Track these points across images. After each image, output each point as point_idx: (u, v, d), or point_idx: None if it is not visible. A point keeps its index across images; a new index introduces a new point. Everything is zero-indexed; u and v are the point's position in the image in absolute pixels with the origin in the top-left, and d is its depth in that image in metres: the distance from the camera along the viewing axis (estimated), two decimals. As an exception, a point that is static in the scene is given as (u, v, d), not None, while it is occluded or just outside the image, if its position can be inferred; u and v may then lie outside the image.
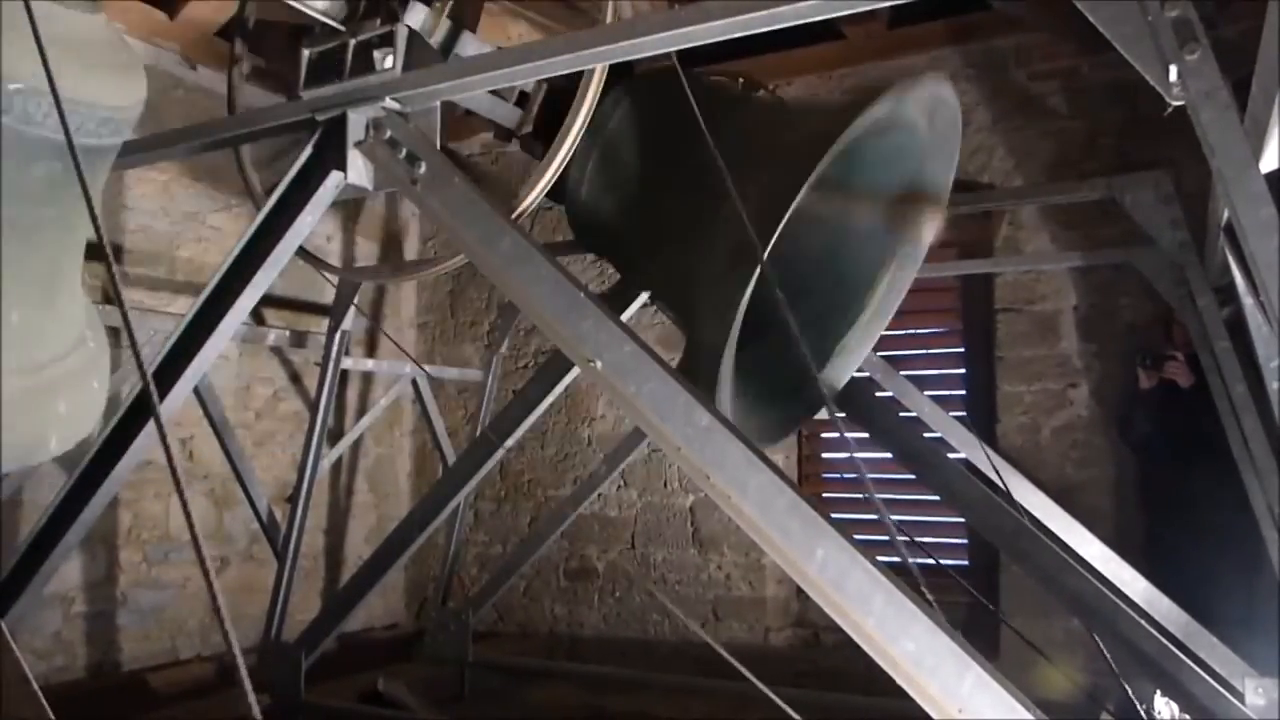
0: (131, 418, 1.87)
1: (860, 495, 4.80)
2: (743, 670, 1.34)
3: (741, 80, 3.46)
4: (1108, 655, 2.35)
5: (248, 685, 0.79)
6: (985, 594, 3.79)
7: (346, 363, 4.37)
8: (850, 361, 2.64)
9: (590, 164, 2.29)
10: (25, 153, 1.41)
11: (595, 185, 2.32)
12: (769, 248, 1.71)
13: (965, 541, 4.41)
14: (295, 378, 4.97)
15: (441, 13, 1.94)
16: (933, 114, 2.18)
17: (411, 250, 5.71)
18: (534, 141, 2.27)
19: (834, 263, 2.53)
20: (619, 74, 2.15)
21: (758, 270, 1.73)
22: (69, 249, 1.60)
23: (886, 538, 4.53)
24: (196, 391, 3.86)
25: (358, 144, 1.76)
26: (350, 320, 4.21)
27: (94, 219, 1.09)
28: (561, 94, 2.17)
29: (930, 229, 2.40)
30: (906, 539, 2.34)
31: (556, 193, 2.27)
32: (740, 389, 2.15)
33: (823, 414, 3.82)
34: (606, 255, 2.57)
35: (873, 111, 1.86)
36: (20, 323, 1.45)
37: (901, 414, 3.25)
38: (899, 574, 1.23)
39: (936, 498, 3.07)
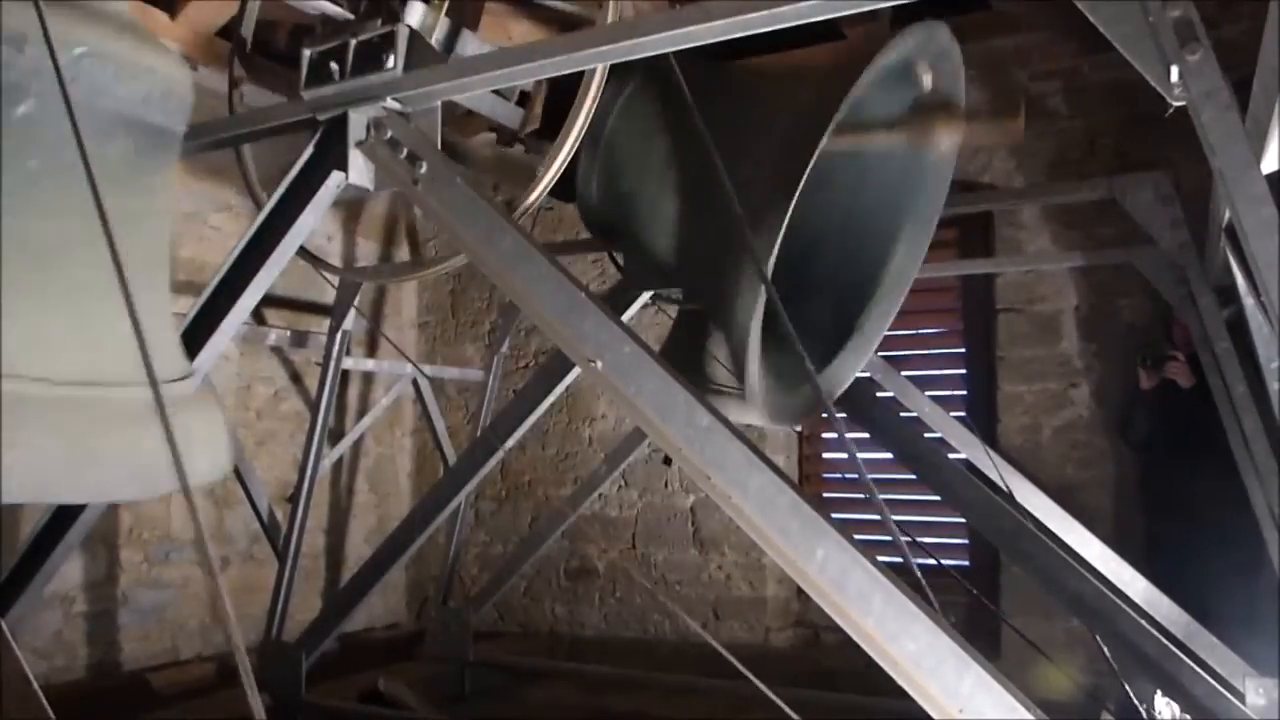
0: (132, 418, 1.86)
1: (861, 495, 4.79)
2: (735, 663, 1.34)
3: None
4: (1108, 655, 2.35)
5: (252, 685, 0.79)
6: (986, 594, 3.79)
7: (347, 363, 4.37)
8: (862, 351, 2.62)
9: (598, 156, 2.28)
10: (99, 129, 1.24)
11: (604, 177, 2.31)
12: (785, 220, 1.72)
13: (966, 542, 4.42)
14: (296, 378, 4.97)
15: (440, 10, 1.94)
16: (935, 65, 2.17)
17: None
18: (537, 141, 2.27)
19: (850, 235, 2.52)
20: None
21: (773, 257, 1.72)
22: (160, 248, 1.41)
23: (887, 538, 4.53)
24: (197, 391, 3.86)
25: (359, 144, 1.76)
26: (351, 320, 4.21)
27: (98, 201, 1.03)
28: (564, 91, 2.17)
29: (950, 139, 2.36)
30: (909, 539, 2.34)
31: (564, 191, 2.26)
32: (771, 366, 2.14)
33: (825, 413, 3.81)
34: (619, 246, 2.55)
35: (877, 64, 1.86)
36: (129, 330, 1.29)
37: (902, 414, 3.25)
38: (900, 574, 1.23)
39: (937, 498, 3.07)
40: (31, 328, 1.10)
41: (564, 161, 1.91)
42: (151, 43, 1.39)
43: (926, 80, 2.19)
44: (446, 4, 1.93)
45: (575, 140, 1.89)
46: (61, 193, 1.15)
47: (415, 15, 1.87)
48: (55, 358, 1.13)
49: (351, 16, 1.86)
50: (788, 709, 1.30)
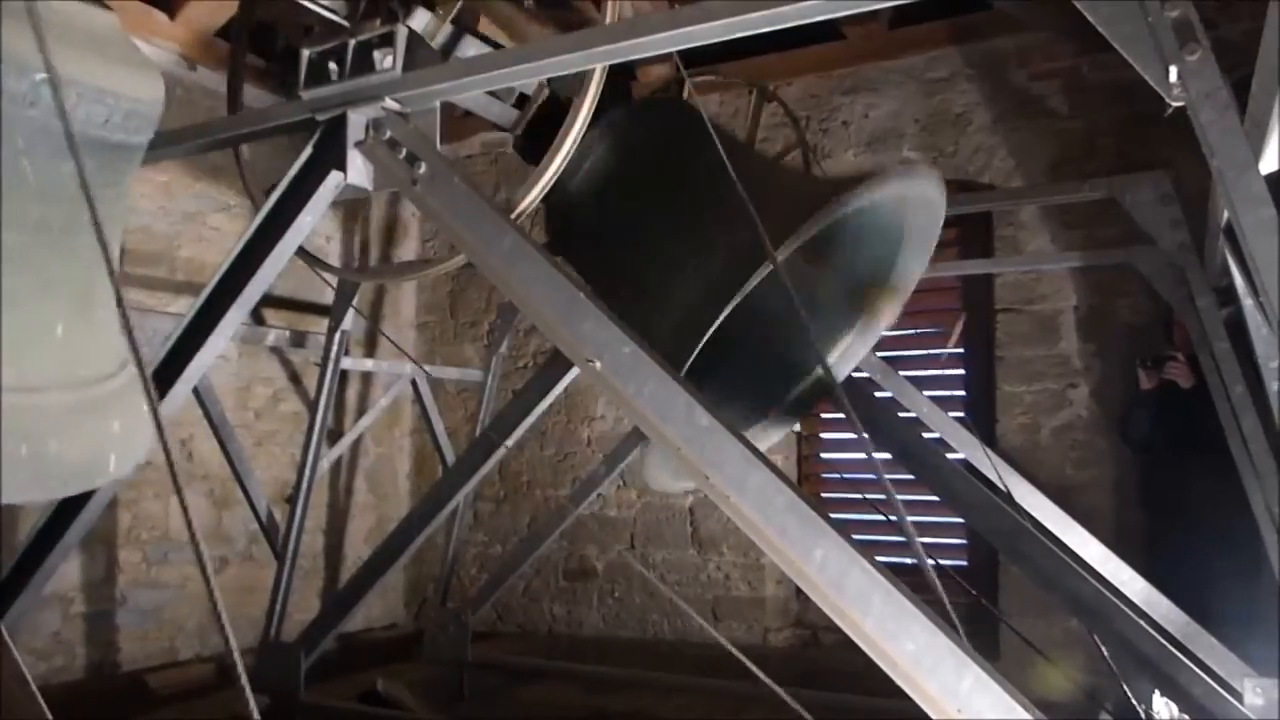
0: (131, 417, 1.86)
1: (859, 495, 4.79)
2: (742, 658, 1.34)
3: (753, 90, 3.47)
4: (1107, 655, 2.35)
5: (247, 687, 0.79)
6: (985, 594, 3.79)
7: (346, 363, 4.37)
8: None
9: (580, 174, 2.26)
10: (56, 149, 1.30)
11: (581, 196, 2.29)
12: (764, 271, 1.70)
13: (964, 542, 4.41)
14: (295, 378, 4.97)
15: (444, 19, 1.93)
16: (918, 210, 2.12)
17: (411, 250, 5.71)
18: (527, 143, 2.27)
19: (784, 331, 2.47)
20: (614, 83, 2.12)
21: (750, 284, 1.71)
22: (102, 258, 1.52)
23: (884, 538, 4.53)
24: (196, 391, 3.86)
25: (357, 144, 1.76)
26: (350, 320, 4.21)
27: (95, 216, 1.05)
28: (557, 96, 2.18)
29: (888, 317, 2.36)
30: (905, 540, 2.34)
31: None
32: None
33: (826, 413, 3.81)
34: (578, 269, 2.54)
35: (859, 194, 1.83)
36: (62, 336, 1.35)
37: (901, 414, 3.24)
38: (902, 574, 1.23)
39: (936, 498, 3.07)
40: None
41: (563, 163, 1.90)
42: (123, 58, 1.45)
43: (906, 216, 2.12)
44: (450, 10, 1.93)
45: (574, 142, 1.88)
46: (11, 206, 1.25)
47: (417, 20, 1.87)
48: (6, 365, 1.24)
49: (345, 24, 1.86)
50: (794, 703, 1.30)
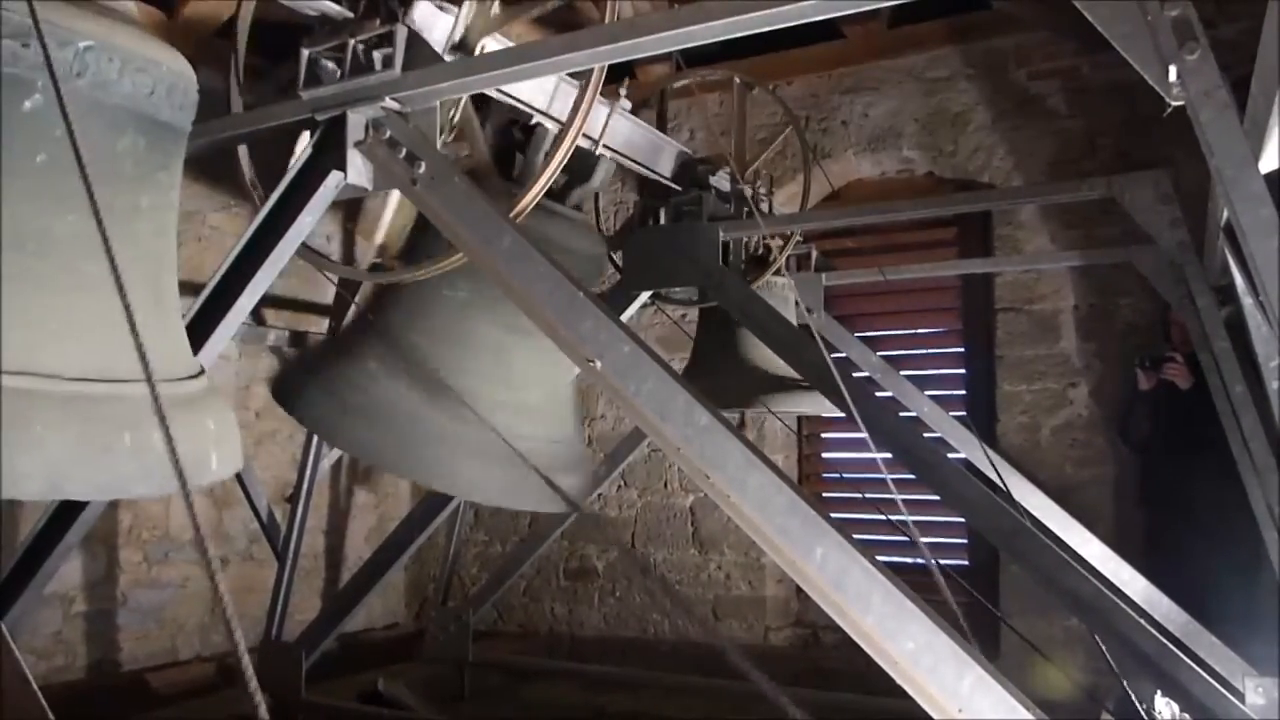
0: (131, 417, 1.86)
1: (859, 495, 4.79)
2: (735, 657, 1.34)
3: (739, 80, 3.46)
4: (1107, 655, 2.34)
5: (254, 684, 0.79)
6: (985, 593, 3.79)
7: (346, 362, 4.36)
8: None
9: None
10: (109, 123, 1.21)
11: None
12: None
13: (965, 541, 4.42)
14: (295, 377, 4.96)
15: (459, 11, 1.92)
16: None
17: (411, 250, 5.71)
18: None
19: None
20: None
21: None
22: (169, 244, 1.36)
23: (885, 538, 4.54)
24: (196, 391, 3.85)
25: (357, 144, 1.76)
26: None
27: (91, 198, 1.00)
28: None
29: None
30: (910, 540, 2.34)
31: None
32: None
33: (825, 414, 3.81)
34: None
35: None
36: (142, 326, 1.28)
37: (901, 414, 3.24)
38: (902, 574, 1.23)
39: (936, 497, 3.07)
40: (41, 324, 1.07)
41: (563, 161, 1.90)
42: (154, 40, 1.36)
43: None
44: (466, 6, 1.92)
45: (574, 140, 1.88)
46: (73, 187, 1.11)
47: (426, 15, 1.87)
48: (66, 354, 1.11)
49: (350, 15, 1.86)
50: (792, 706, 1.30)
